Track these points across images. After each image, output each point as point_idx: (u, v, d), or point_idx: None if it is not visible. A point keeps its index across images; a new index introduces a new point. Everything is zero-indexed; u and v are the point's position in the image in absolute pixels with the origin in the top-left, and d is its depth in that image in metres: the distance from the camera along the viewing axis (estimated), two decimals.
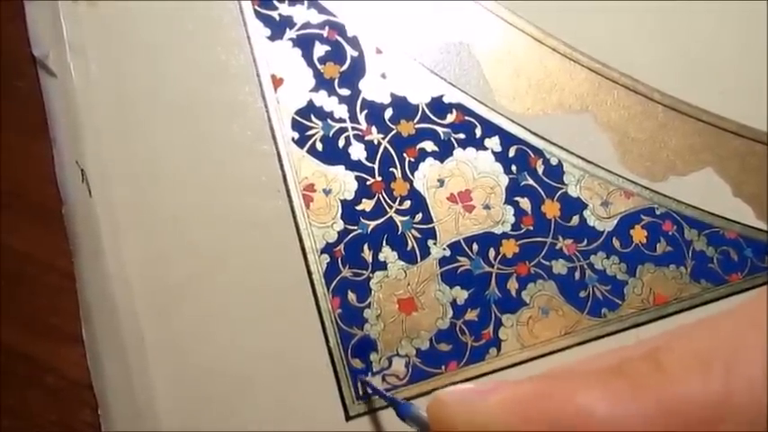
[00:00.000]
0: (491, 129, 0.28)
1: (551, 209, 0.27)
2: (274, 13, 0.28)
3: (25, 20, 0.26)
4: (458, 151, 0.28)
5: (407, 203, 0.27)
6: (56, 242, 0.25)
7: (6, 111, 0.26)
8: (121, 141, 0.26)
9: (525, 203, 0.27)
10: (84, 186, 0.25)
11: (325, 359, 0.24)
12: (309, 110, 0.27)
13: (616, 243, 0.27)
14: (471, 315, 0.26)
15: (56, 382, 0.23)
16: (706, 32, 0.30)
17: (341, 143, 0.27)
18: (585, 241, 0.27)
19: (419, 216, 0.26)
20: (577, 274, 0.27)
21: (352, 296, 0.25)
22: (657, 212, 0.28)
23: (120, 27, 0.27)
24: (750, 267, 0.28)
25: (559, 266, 0.27)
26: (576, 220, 0.27)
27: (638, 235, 0.28)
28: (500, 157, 0.28)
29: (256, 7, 0.28)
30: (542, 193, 0.28)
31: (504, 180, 0.27)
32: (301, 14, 0.28)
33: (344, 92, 0.27)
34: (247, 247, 0.25)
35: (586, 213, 0.28)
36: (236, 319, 0.24)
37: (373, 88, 0.28)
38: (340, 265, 0.25)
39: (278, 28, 0.28)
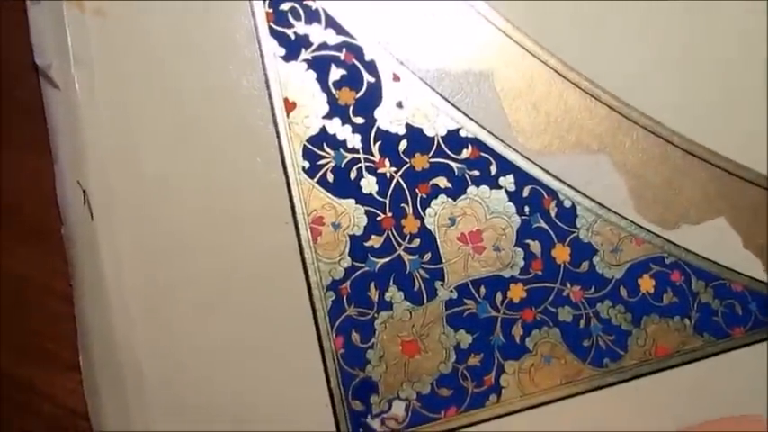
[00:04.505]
0: (506, 166, 0.27)
1: (561, 253, 0.27)
2: (290, 32, 0.27)
3: (28, 27, 0.25)
4: (471, 189, 0.27)
5: (417, 242, 0.26)
6: (55, 264, 0.24)
7: (6, 123, 0.25)
8: (125, 162, 0.25)
9: (536, 246, 0.27)
10: (86, 209, 0.24)
11: (325, 399, 0.24)
12: (322, 138, 0.26)
13: (623, 291, 0.27)
14: (474, 360, 0.25)
15: (52, 411, 0.23)
16: (731, 77, 0.29)
17: (353, 175, 0.26)
18: (593, 288, 0.27)
19: (428, 255, 0.26)
20: (582, 322, 0.27)
21: (355, 336, 0.25)
22: (667, 261, 0.28)
23: (128, 39, 0.25)
24: (753, 322, 0.28)
25: (565, 313, 0.27)
26: (585, 266, 0.27)
27: (646, 284, 0.27)
28: (513, 196, 0.27)
29: (272, 24, 0.27)
30: (554, 236, 0.27)
31: (517, 221, 0.27)
32: (318, 34, 0.27)
33: (359, 120, 0.26)
34: (251, 281, 0.25)
35: (596, 260, 0.27)
36: (236, 353, 0.24)
37: (389, 118, 0.27)
38: (345, 304, 0.25)
39: (293, 48, 0.27)
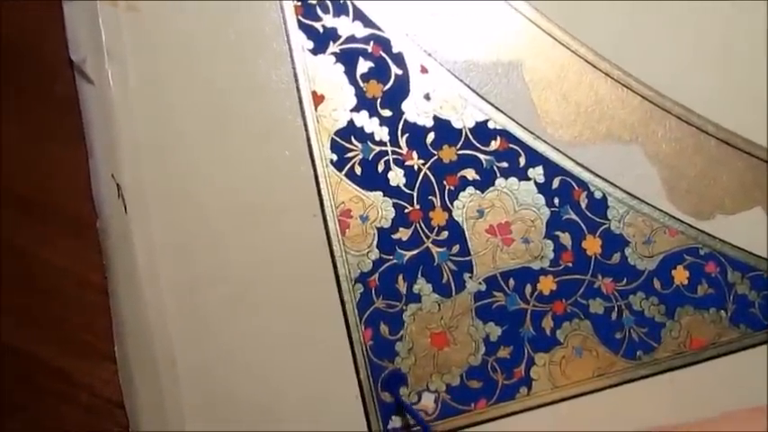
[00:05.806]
0: (535, 158, 0.27)
1: (592, 245, 0.27)
2: (318, 25, 0.27)
3: (63, 22, 0.26)
4: (500, 180, 0.27)
5: (445, 234, 0.26)
6: (90, 257, 0.25)
7: (42, 117, 0.26)
8: (158, 156, 0.25)
9: (566, 238, 0.27)
10: (120, 202, 0.25)
11: (354, 391, 0.24)
12: (350, 131, 0.26)
13: (656, 283, 0.27)
14: (504, 352, 0.25)
15: (89, 400, 0.24)
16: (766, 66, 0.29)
17: (380, 167, 0.26)
18: (625, 280, 0.27)
19: (456, 248, 0.26)
20: (614, 315, 0.26)
21: (384, 328, 0.25)
22: (701, 252, 0.27)
23: (160, 34, 0.26)
24: None
25: (597, 306, 0.26)
26: (617, 257, 0.27)
27: (680, 276, 0.27)
28: (543, 188, 0.27)
29: (300, 17, 0.27)
30: (584, 228, 0.27)
31: (546, 213, 0.27)
32: (346, 27, 0.27)
33: (386, 113, 0.26)
34: (281, 273, 0.25)
35: (628, 251, 0.27)
36: (267, 345, 0.24)
37: (416, 110, 0.27)
38: (374, 296, 0.25)
39: (321, 41, 0.27)
